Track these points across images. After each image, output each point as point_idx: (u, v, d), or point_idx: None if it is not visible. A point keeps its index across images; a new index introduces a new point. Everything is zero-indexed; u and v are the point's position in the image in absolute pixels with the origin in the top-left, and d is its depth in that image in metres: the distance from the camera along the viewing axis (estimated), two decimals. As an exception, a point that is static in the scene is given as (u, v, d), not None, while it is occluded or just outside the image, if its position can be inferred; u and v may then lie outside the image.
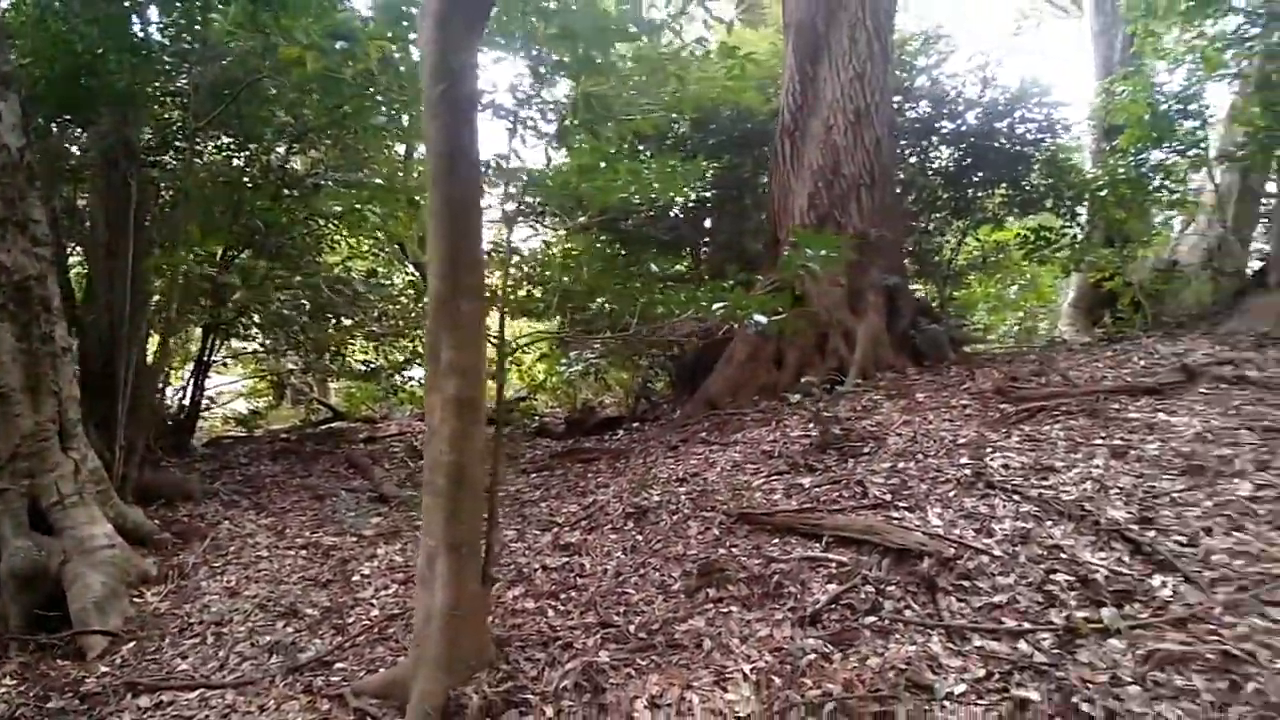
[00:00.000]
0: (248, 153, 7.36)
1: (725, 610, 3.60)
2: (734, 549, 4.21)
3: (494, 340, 3.61)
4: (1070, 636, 2.86)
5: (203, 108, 6.22)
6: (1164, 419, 4.73)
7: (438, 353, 3.17)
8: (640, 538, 4.77)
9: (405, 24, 3.45)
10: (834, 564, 3.74)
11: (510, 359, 11.09)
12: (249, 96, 6.27)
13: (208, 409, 10.31)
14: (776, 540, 4.18)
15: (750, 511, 4.56)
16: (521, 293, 8.42)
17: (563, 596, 4.19)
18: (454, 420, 3.14)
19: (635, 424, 8.81)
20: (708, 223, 10.48)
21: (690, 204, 9.67)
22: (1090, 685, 2.59)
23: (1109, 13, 10.62)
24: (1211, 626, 2.76)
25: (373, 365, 10.53)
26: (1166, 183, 8.17)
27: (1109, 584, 3.10)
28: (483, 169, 4.29)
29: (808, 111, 8.24)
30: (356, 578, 5.00)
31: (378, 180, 6.92)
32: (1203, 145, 8.01)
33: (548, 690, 3.13)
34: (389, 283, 10.49)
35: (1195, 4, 7.56)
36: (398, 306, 10.10)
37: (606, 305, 4.91)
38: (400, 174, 7.48)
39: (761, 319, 3.67)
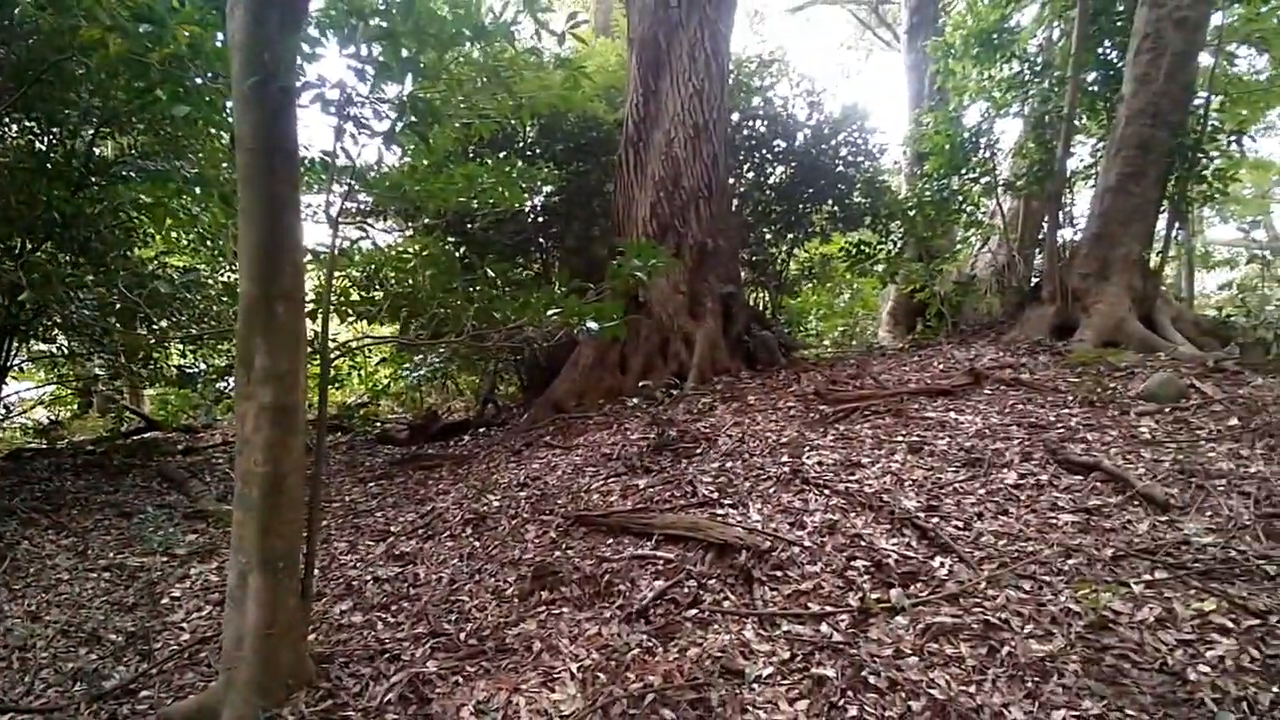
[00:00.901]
0: (51, 137, 6.60)
1: (557, 612, 3.66)
2: (570, 551, 4.28)
3: (316, 345, 3.48)
4: (864, 616, 3.16)
5: (4, 88, 5.54)
6: (954, 418, 5.30)
7: (251, 359, 3.02)
8: (478, 544, 4.74)
9: (216, 11, 3.26)
10: (662, 561, 3.90)
11: (353, 364, 10.64)
12: (54, 78, 5.65)
13: (4, 419, 9.14)
14: (610, 540, 4.30)
15: (587, 513, 4.65)
16: (356, 296, 8.09)
17: (394, 608, 4.09)
18: (269, 429, 3.00)
19: (482, 429, 8.70)
20: (557, 228, 10.54)
21: (538, 209, 9.69)
22: (877, 659, 2.88)
23: (919, 50, 11.71)
24: (977, 600, 3.15)
25: (192, 370, 9.71)
26: (965, 206, 9.12)
27: (899, 567, 3.46)
28: (307, 166, 4.15)
29: (651, 124, 8.50)
30: (166, 600, 4.64)
31: (194, 171, 6.41)
32: (994, 174, 9.02)
33: (370, 705, 3.06)
34: (210, 281, 9.72)
35: (984, 50, 8.53)
36: (220, 307, 9.37)
37: (442, 309, 4.83)
38: (225, 165, 6.97)
39: (594, 325, 3.76)
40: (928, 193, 9.07)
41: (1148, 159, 6.78)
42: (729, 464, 5.07)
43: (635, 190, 8.51)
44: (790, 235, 10.46)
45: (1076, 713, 2.54)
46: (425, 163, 4.45)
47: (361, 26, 2.85)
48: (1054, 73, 8.41)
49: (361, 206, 8.23)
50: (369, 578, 4.53)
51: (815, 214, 10.26)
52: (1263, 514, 3.48)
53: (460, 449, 7.87)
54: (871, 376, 6.82)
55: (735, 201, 9.95)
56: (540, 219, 9.95)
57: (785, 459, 4.98)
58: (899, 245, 9.91)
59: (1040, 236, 9.26)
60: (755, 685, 2.85)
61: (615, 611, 3.55)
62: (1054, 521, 3.67)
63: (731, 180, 9.73)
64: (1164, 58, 6.67)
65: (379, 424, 10.25)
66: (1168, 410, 4.74)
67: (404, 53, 3.02)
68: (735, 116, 9.76)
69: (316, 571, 4.56)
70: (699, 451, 5.45)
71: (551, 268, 10.46)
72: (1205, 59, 7.68)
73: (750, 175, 10.45)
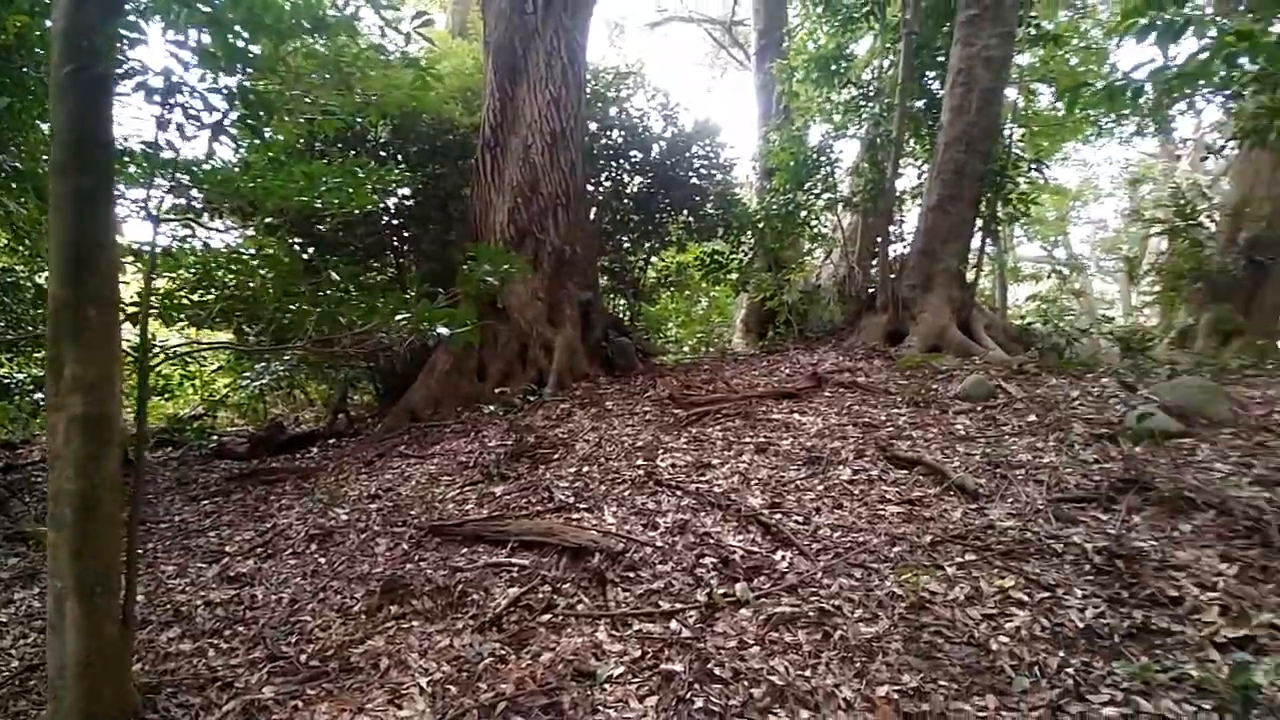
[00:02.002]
0: None
1: (407, 626, 3.56)
2: (422, 563, 4.17)
3: (132, 351, 3.20)
4: (711, 611, 3.28)
5: None
6: (797, 419, 5.62)
7: (60, 366, 2.75)
8: (323, 560, 4.52)
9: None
10: (516, 568, 3.88)
11: (185, 373, 9.76)
12: None
13: None
14: (465, 550, 4.23)
15: (442, 523, 4.55)
16: (188, 299, 7.45)
17: (227, 633, 3.83)
18: (80, 442, 2.74)
19: (332, 440, 8.27)
20: (413, 232, 10.21)
21: (392, 211, 9.37)
22: (723, 651, 3.00)
23: (767, 71, 12.34)
24: (814, 589, 3.36)
25: (7, 381, 8.58)
26: (809, 220, 9.70)
27: (744, 562, 3.62)
28: (127, 158, 3.81)
29: (508, 130, 8.44)
30: (-14, 628, 4.11)
31: (13, 165, 5.71)
32: (834, 191, 9.66)
33: (199, 737, 2.85)
34: (26, 283, 8.65)
35: (823, 75, 9.13)
36: (37, 311, 8.35)
37: (283, 314, 4.57)
38: (44, 158, 6.24)
39: (445, 331, 3.69)
40: (775, 206, 9.57)
41: (963, 183, 7.51)
42: (586, 469, 5.12)
43: (493, 195, 8.42)
44: (648, 244, 10.70)
45: (898, 687, 2.76)
46: (259, 157, 4.21)
47: (184, 13, 2.66)
48: (885, 99, 9.12)
49: (194, 203, 7.61)
50: (199, 602, 4.21)
51: (672, 224, 10.55)
52: (1053, 499, 3.92)
53: (307, 462, 7.45)
54: (724, 381, 7.09)
55: (594, 210, 10.06)
56: (395, 222, 9.63)
57: (640, 462, 5.09)
58: (750, 255, 10.37)
59: (876, 250, 9.98)
60: (607, 685, 2.90)
61: (468, 622, 3.50)
62: (882, 513, 3.97)
63: (590, 188, 9.83)
64: (975, 92, 7.43)
65: (216, 437, 9.51)
66: (979, 409, 5.25)
67: (235, 42, 2.85)
68: (593, 126, 9.87)
69: (141, 597, 4.20)
70: (557, 457, 5.47)
71: (407, 272, 10.13)
72: (1013, 94, 8.61)
73: (608, 184, 10.60)
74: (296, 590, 4.16)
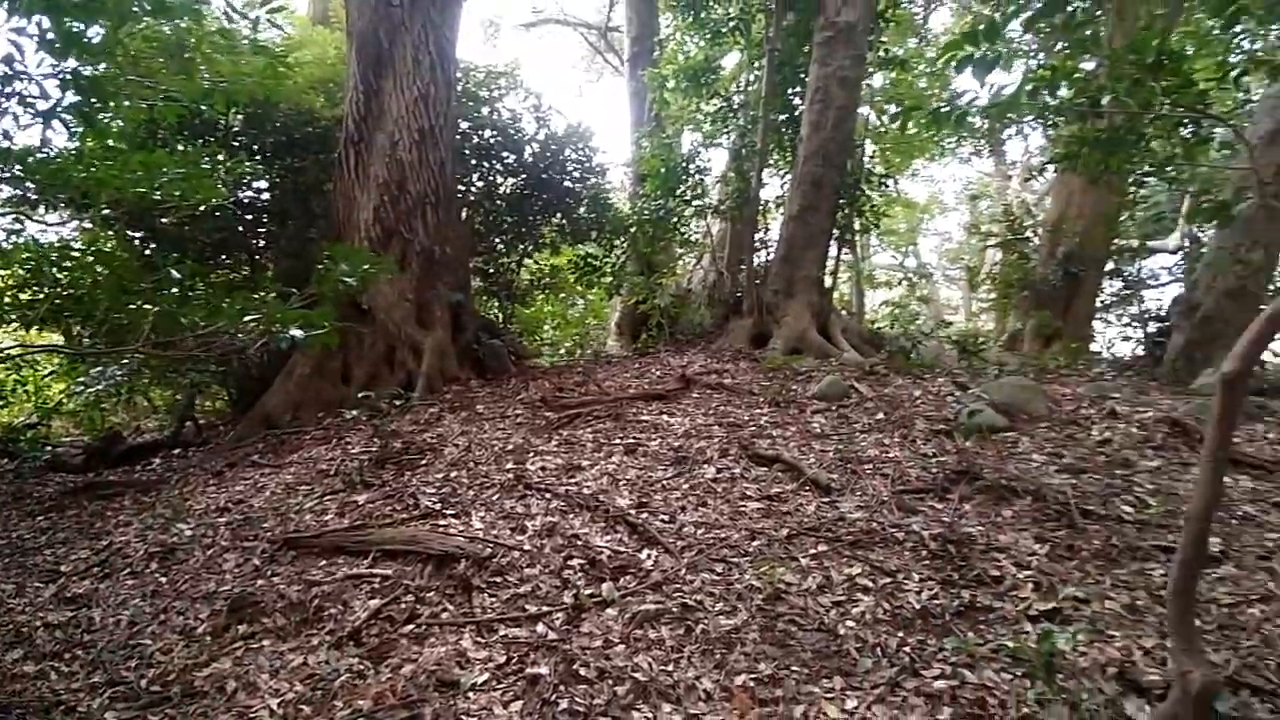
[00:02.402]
0: None
1: (256, 646, 3.38)
2: (275, 578, 3.96)
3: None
4: (578, 612, 3.32)
5: None
6: (666, 420, 5.76)
7: None
8: (164, 580, 4.21)
9: None
10: (378, 579, 3.76)
11: (18, 378, 8.74)
12: None
13: None
14: (323, 563, 4.05)
15: (297, 536, 4.33)
16: (20, 297, 6.70)
17: (67, 656, 3.54)
18: None
19: (177, 450, 7.67)
20: (270, 228, 9.64)
21: (245, 206, 8.81)
22: (588, 651, 3.04)
23: (639, 78, 12.56)
24: (678, 586, 3.46)
25: None
26: (679, 226, 9.95)
27: (611, 562, 3.68)
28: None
29: (373, 124, 8.14)
30: None
31: None
32: (704, 198, 9.96)
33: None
34: None
35: (691, 85, 9.41)
36: None
37: (117, 314, 4.21)
38: None
39: (299, 333, 3.53)
40: (647, 211, 9.75)
41: (821, 194, 7.96)
42: (454, 474, 5.03)
43: (357, 192, 8.09)
44: (521, 245, 10.62)
45: (754, 675, 2.89)
46: (95, 146, 3.88)
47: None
48: (750, 112, 9.51)
49: (27, 195, 6.86)
50: (39, 623, 3.86)
51: (545, 226, 10.52)
52: (896, 491, 4.23)
53: (149, 474, 6.88)
54: (596, 383, 7.15)
55: (465, 210, 9.87)
56: (250, 217, 9.06)
57: (511, 466, 5.05)
58: (623, 259, 10.51)
59: (744, 256, 10.37)
60: (471, 693, 2.87)
61: (324, 638, 3.36)
62: (743, 509, 4.15)
63: (461, 188, 9.64)
64: (831, 109, 7.89)
65: (50, 448, 8.60)
66: (834, 408, 5.58)
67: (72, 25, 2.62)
68: (465, 125, 9.69)
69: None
70: (424, 462, 5.34)
71: (265, 270, 9.55)
72: (868, 112, 9.18)
73: (481, 185, 10.43)
74: (135, 612, 3.86)
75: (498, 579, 3.65)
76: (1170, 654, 2.48)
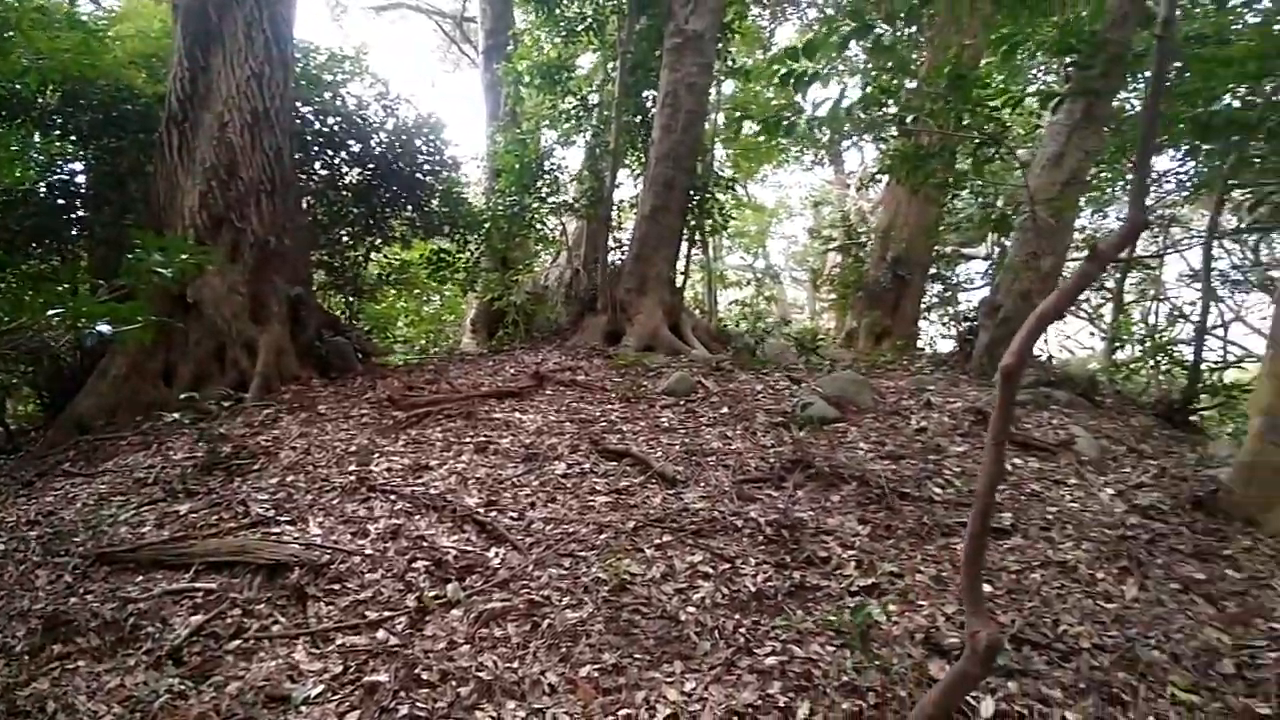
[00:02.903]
0: None
1: (72, 666, 3.08)
2: (88, 595, 3.61)
3: None
4: (421, 615, 3.24)
5: None
6: (518, 417, 5.73)
7: None
8: (-33, 600, 3.72)
9: None
10: (201, 593, 3.51)
11: None
12: None
13: None
14: (140, 578, 3.73)
15: (111, 550, 3.96)
16: None
17: None
18: None
19: (-15, 458, 6.76)
20: (85, 214, 8.66)
21: (58, 189, 7.92)
22: (431, 654, 2.98)
23: (494, 71, 12.36)
24: (525, 582, 3.46)
25: None
26: (534, 222, 9.90)
27: (457, 562, 3.62)
28: None
29: (200, 104, 7.51)
30: None
31: None
32: (559, 195, 9.96)
33: None
34: None
35: (545, 81, 9.40)
36: None
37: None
38: None
39: (106, 329, 3.22)
40: (501, 207, 9.63)
41: (671, 195, 8.18)
42: (290, 478, 4.76)
43: (181, 176, 7.44)
44: (368, 238, 10.18)
45: (598, 665, 2.95)
46: None
47: None
48: (605, 112, 9.61)
49: None
50: None
51: (395, 219, 10.14)
52: (737, 481, 4.44)
53: (-62, 487, 6.03)
54: (448, 381, 6.99)
55: (308, 200, 9.33)
56: (63, 201, 8.13)
57: (353, 468, 4.85)
58: (476, 255, 10.32)
59: (599, 254, 10.48)
60: (304, 708, 2.74)
61: (141, 658, 3.10)
62: (592, 503, 4.21)
63: (303, 177, 9.10)
64: (680, 114, 8.14)
65: None
66: (682, 403, 5.77)
67: None
68: (307, 111, 9.16)
69: None
70: (257, 467, 5.01)
71: (79, 260, 8.60)
72: (720, 118, 9.52)
73: (325, 173, 9.90)
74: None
75: (335, 586, 3.50)
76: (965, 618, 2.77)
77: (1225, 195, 8.07)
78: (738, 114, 11.93)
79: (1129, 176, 10.77)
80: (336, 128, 9.51)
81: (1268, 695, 2.93)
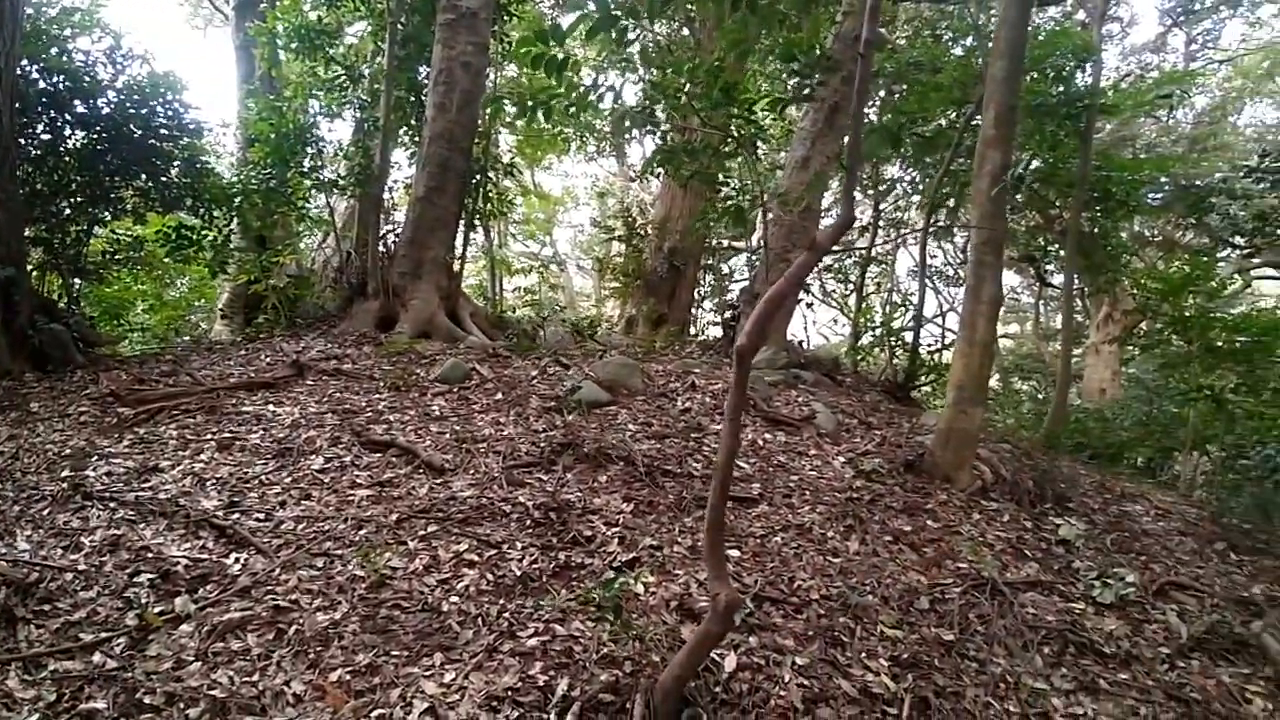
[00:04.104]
0: None
1: None
2: None
3: None
4: (143, 634, 2.90)
5: None
6: (272, 410, 5.28)
7: None
8: None
9: None
10: None
11: None
12: None
13: None
14: None
15: None
16: None
17: None
18: None
19: None
20: None
21: None
22: (155, 676, 2.68)
23: (247, 31, 11.18)
24: (270, 588, 3.21)
25: None
26: (295, 199, 9.11)
27: (189, 572, 3.28)
28: None
29: None
30: None
31: None
32: (322, 171, 9.24)
33: None
34: None
35: (304, 46, 8.69)
36: None
37: None
38: None
39: None
40: (255, 181, 8.77)
41: (447, 176, 7.92)
42: (-15, 489, 4.03)
43: None
44: (93, 211, 8.80)
45: (351, 668, 2.82)
46: None
47: None
48: (375, 85, 9.07)
49: None
50: None
51: (125, 189, 8.85)
52: (507, 467, 4.43)
53: None
54: (189, 373, 6.28)
55: (26, 168, 7.90)
56: None
57: (67, 473, 4.21)
58: (226, 233, 9.32)
59: (369, 236, 9.90)
60: (-9, 750, 2.35)
61: None
62: (351, 498, 3.99)
63: (22, 141, 7.67)
64: (455, 93, 7.90)
65: None
66: (455, 390, 5.64)
67: None
68: (34, 70, 7.75)
69: None
70: (-60, 479, 4.19)
71: None
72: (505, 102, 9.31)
73: (46, 137, 8.39)
74: None
75: (47, 606, 3.03)
76: (707, 582, 3.00)
77: (937, 200, 9.35)
78: (517, 99, 11.80)
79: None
80: (62, 87, 8.11)
81: (952, 624, 3.47)
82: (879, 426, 5.98)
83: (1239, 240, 11.49)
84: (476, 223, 9.56)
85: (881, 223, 14.64)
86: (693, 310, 13.31)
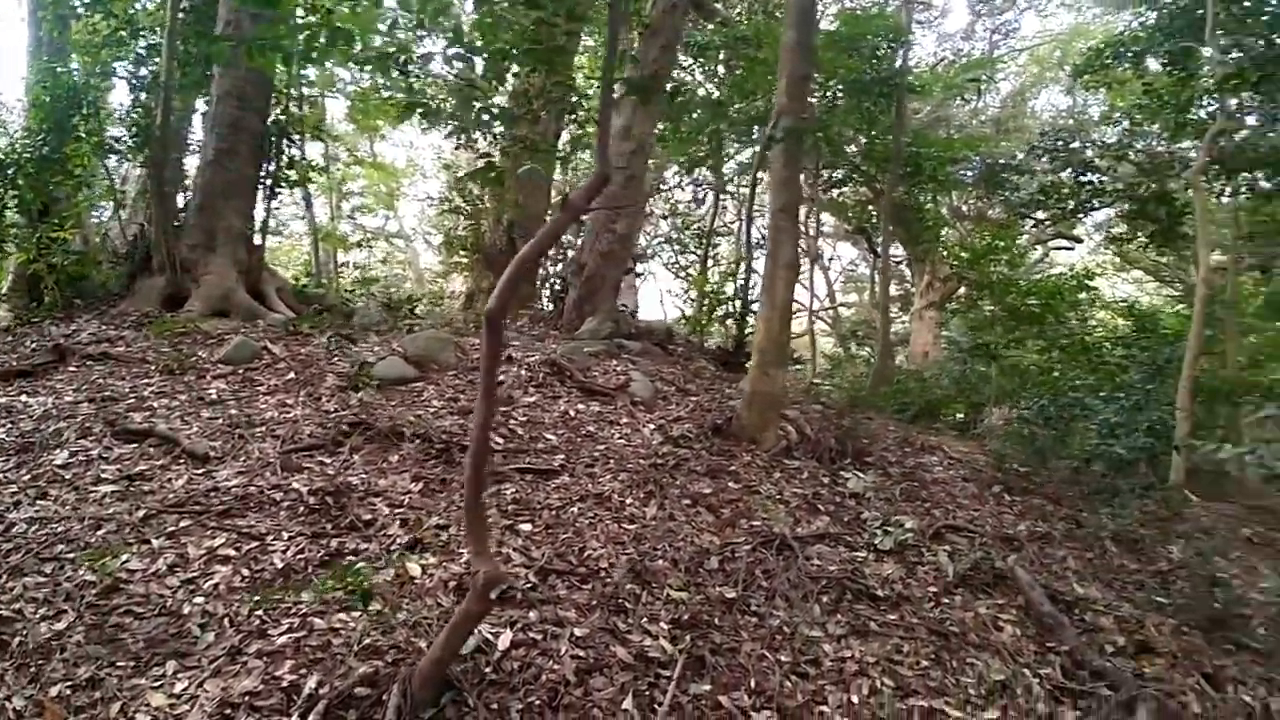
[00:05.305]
0: None
1: None
2: None
3: None
4: None
5: None
6: (23, 401, 4.64)
7: None
8: None
9: None
10: None
11: None
12: None
13: None
14: None
15: None
16: None
17: None
18: None
19: None
20: None
21: None
22: None
23: (32, -5, 9.74)
24: (-24, 602, 2.78)
25: None
26: (75, 168, 8.08)
27: None
28: None
29: None
30: None
31: None
32: (102, 135, 8.23)
33: None
34: None
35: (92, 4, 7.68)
36: None
37: None
38: None
39: None
40: (29, 148, 7.69)
41: (240, 138, 7.21)
42: None
43: None
44: None
45: (71, 682, 2.49)
46: None
47: None
48: (156, 40, 8.14)
49: None
50: None
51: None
52: (286, 451, 4.09)
53: None
54: (-79, 364, 5.42)
55: None
56: None
57: None
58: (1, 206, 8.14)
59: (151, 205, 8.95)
60: None
61: None
62: (94, 495, 3.55)
63: None
64: (242, 46, 7.15)
65: None
66: (240, 371, 5.17)
67: None
68: None
69: None
70: None
71: None
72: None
73: None
74: None
75: None
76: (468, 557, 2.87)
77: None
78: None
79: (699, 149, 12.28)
80: None
81: (737, 582, 3.52)
82: (697, 393, 6.06)
83: (1037, 213, 12.61)
84: (280, 190, 8.78)
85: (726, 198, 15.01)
86: (538, 284, 13.08)
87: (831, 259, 21.31)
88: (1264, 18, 7.00)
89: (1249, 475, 7.35)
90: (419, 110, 3.76)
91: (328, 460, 4.02)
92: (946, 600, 3.72)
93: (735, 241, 15.44)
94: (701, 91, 12.16)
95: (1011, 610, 3.73)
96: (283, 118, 7.71)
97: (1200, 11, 7.83)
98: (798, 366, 13.59)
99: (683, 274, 15.67)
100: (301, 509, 3.55)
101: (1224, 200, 9.99)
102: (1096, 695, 3.19)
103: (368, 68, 6.19)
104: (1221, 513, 6.76)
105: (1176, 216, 9.26)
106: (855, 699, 2.97)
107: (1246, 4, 7.05)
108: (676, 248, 14.56)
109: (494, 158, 5.25)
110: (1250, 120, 8.46)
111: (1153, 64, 8.93)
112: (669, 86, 7.15)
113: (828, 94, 10.38)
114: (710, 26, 11.10)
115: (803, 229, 16.61)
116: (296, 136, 8.04)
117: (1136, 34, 9.04)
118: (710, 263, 12.96)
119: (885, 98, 9.73)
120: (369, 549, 3.33)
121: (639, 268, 15.35)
